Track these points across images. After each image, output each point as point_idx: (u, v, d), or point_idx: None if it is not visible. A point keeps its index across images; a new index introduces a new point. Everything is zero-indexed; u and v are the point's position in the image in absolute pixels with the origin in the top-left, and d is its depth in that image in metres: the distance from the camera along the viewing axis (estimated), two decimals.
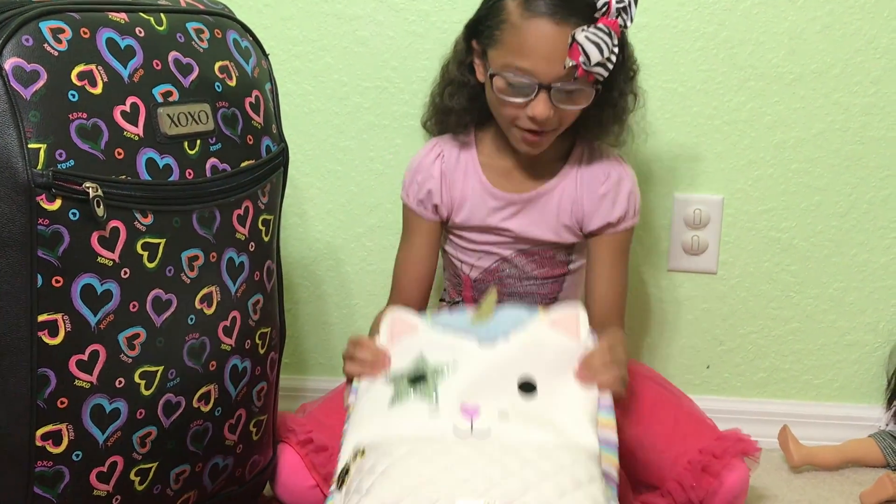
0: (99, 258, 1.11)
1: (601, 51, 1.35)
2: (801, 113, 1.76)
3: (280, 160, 1.36)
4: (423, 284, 1.60)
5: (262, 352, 1.35)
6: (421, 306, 1.58)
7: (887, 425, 1.80)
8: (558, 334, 1.24)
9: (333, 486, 1.15)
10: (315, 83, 1.81)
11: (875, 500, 1.58)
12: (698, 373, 1.87)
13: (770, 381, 1.87)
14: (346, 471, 1.14)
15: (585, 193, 1.53)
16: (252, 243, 1.31)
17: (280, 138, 1.37)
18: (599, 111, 1.48)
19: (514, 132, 1.46)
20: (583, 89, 1.41)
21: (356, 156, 1.83)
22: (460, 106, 1.54)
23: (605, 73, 1.38)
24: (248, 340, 1.32)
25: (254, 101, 1.31)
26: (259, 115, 1.32)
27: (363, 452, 1.14)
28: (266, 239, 1.34)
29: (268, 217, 1.34)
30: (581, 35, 1.34)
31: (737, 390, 1.88)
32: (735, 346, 1.86)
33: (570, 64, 1.35)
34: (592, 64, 1.35)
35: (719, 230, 1.81)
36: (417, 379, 1.20)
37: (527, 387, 1.19)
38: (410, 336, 1.26)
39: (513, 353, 1.21)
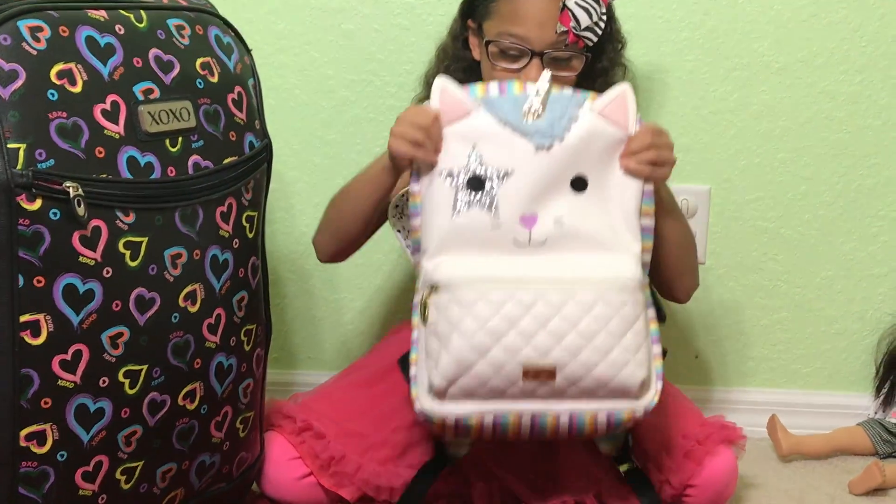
0: (80, 258, 1.10)
1: (590, 15, 1.41)
2: (787, 102, 1.76)
3: (263, 156, 1.35)
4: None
5: (247, 349, 1.35)
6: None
7: (876, 413, 1.80)
8: (607, 124, 1.28)
9: (417, 319, 1.28)
10: (301, 77, 1.80)
11: (864, 489, 1.58)
12: (687, 362, 1.87)
13: (758, 371, 1.87)
14: (424, 306, 1.26)
15: None
16: (236, 240, 1.30)
17: (263, 134, 1.37)
18: (591, 82, 1.51)
19: None
20: (574, 56, 1.46)
21: (343, 149, 1.83)
22: (456, 78, 1.53)
23: (594, 39, 1.44)
24: (234, 337, 1.31)
25: (236, 98, 1.30)
26: (242, 112, 1.31)
27: (437, 288, 1.24)
28: (250, 235, 1.33)
29: (252, 213, 1.33)
30: (571, 1, 1.41)
31: (725, 380, 1.88)
32: (723, 335, 1.86)
33: (562, 30, 1.42)
34: (582, 28, 1.41)
35: (707, 220, 1.81)
36: (476, 183, 1.26)
37: (578, 183, 1.27)
38: (463, 121, 1.28)
39: (567, 154, 1.26)
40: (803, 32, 1.73)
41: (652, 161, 1.29)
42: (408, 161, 1.30)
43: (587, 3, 1.41)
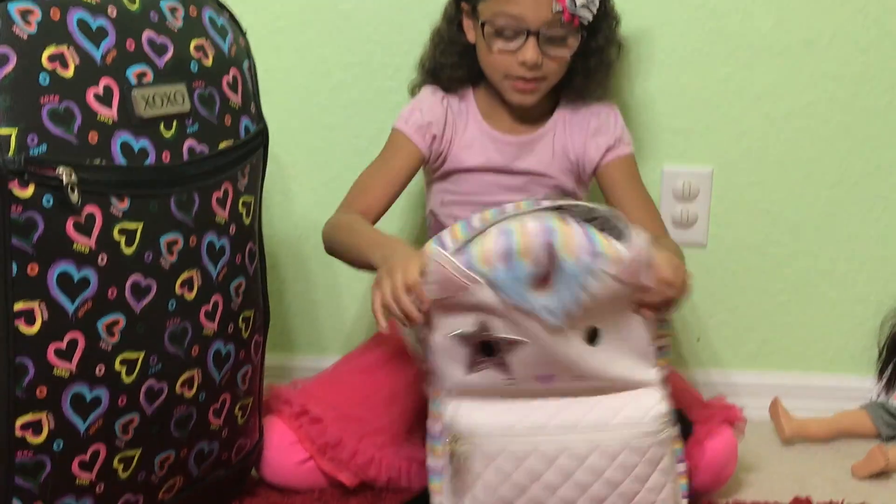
0: (75, 245, 1.09)
1: None
2: (790, 83, 1.74)
3: (259, 140, 1.34)
4: (382, 204, 1.56)
5: (245, 335, 1.34)
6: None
7: (878, 396, 1.79)
8: (620, 284, 1.20)
9: (440, 449, 1.26)
10: (297, 59, 1.78)
11: (867, 472, 1.57)
12: (689, 345, 1.86)
13: (761, 353, 1.86)
14: (450, 451, 1.25)
15: (576, 133, 1.58)
16: (232, 226, 1.29)
17: (259, 118, 1.35)
18: (586, 61, 1.53)
19: (505, 84, 1.52)
20: (569, 35, 1.47)
21: (340, 132, 1.81)
22: (451, 61, 1.58)
23: (590, 17, 1.46)
24: (231, 324, 1.30)
25: (231, 81, 1.29)
26: (237, 95, 1.29)
27: (458, 438, 1.23)
28: (247, 221, 1.32)
29: (248, 199, 1.32)
30: None
31: (727, 362, 1.86)
32: (725, 318, 1.85)
33: (557, 8, 1.43)
34: (578, 6, 1.43)
35: (709, 202, 1.79)
36: (486, 348, 1.22)
37: (591, 336, 1.24)
38: (464, 295, 1.18)
39: (579, 317, 1.20)
40: (807, 13, 1.71)
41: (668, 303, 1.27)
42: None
43: None
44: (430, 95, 1.59)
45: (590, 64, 1.55)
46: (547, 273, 1.17)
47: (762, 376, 1.85)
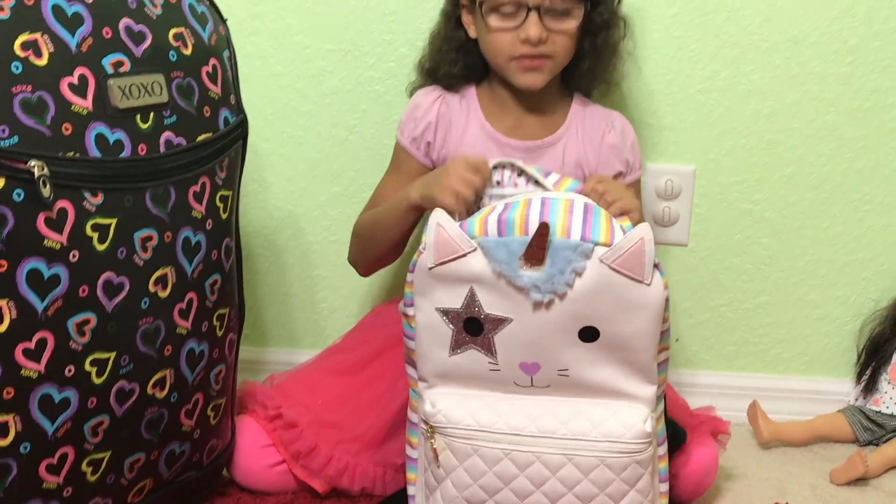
0: (45, 241, 1.04)
1: None
2: (776, 82, 1.72)
3: (239, 132, 1.30)
4: None
5: (220, 334, 1.30)
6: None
7: (857, 400, 1.78)
8: (619, 276, 1.16)
9: (418, 440, 1.28)
10: (276, 45, 1.73)
11: (846, 479, 1.56)
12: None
13: (740, 355, 1.84)
14: (426, 444, 1.24)
15: (589, 147, 1.54)
16: (209, 221, 1.24)
17: (239, 109, 1.31)
18: (594, 39, 1.50)
19: (512, 67, 1.46)
20: (572, 6, 1.43)
21: (319, 121, 1.77)
22: (449, 58, 1.53)
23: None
24: (206, 323, 1.26)
25: (211, 71, 1.24)
26: (216, 85, 1.25)
27: (434, 430, 1.22)
28: (224, 216, 1.28)
29: (226, 193, 1.28)
30: None
31: (706, 364, 1.85)
32: (705, 319, 1.83)
33: None
34: None
35: (691, 201, 1.77)
36: (473, 325, 1.19)
37: (587, 334, 1.18)
38: (458, 264, 1.18)
39: (570, 307, 1.16)
40: (794, 11, 1.69)
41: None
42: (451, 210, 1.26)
43: None
44: (424, 97, 1.54)
45: (597, 42, 1.50)
46: (540, 253, 1.16)
47: (741, 378, 1.83)
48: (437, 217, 1.20)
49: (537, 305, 1.17)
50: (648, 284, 1.16)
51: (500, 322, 1.18)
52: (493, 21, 1.43)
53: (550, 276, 1.15)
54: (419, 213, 1.40)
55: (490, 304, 1.18)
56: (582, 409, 1.21)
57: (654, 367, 1.21)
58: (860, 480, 1.57)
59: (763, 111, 1.73)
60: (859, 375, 1.80)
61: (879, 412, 1.72)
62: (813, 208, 1.77)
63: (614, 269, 1.15)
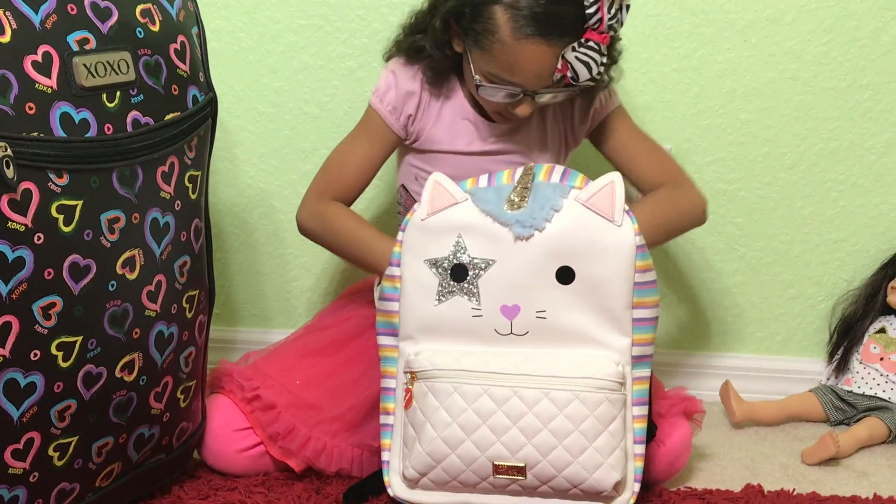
0: (9, 223, 1.02)
1: (590, 70, 1.34)
2: (752, 61, 1.71)
3: (208, 111, 1.27)
4: (358, 187, 1.50)
5: (189, 316, 1.28)
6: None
7: (828, 380, 1.79)
8: (592, 215, 1.25)
9: (392, 404, 1.31)
10: (246, 20, 1.71)
11: (817, 459, 1.57)
12: None
13: (713, 334, 1.84)
14: (405, 393, 1.29)
15: (559, 110, 1.52)
16: (178, 202, 1.22)
17: (208, 87, 1.28)
18: (582, 99, 1.50)
19: (494, 114, 1.47)
20: (566, 93, 1.41)
21: (290, 98, 1.74)
22: (433, 58, 1.44)
23: (592, 85, 1.38)
24: (175, 305, 1.24)
25: (179, 48, 1.21)
26: (185, 63, 1.22)
27: (416, 377, 1.27)
28: (193, 196, 1.25)
29: (195, 173, 1.25)
30: (571, 55, 1.32)
31: (678, 343, 1.85)
32: (678, 298, 1.83)
33: (559, 77, 1.35)
34: (581, 81, 1.34)
35: None
36: (459, 272, 1.26)
37: (564, 275, 1.25)
38: (449, 211, 1.27)
39: (548, 244, 1.24)
40: None
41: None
42: None
43: (588, 55, 1.32)
44: (404, 68, 1.48)
45: (585, 104, 1.51)
46: (524, 192, 1.26)
47: (713, 358, 1.84)
48: (435, 176, 1.29)
49: (517, 240, 1.24)
50: (619, 226, 1.25)
51: (484, 265, 1.25)
52: (487, 94, 1.39)
53: (532, 211, 1.24)
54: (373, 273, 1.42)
55: (476, 248, 1.26)
56: (558, 357, 1.25)
57: (626, 316, 1.27)
58: (831, 460, 1.57)
59: (739, 90, 1.72)
60: (831, 355, 1.80)
61: (851, 392, 1.73)
62: (787, 188, 1.77)
63: (587, 208, 1.24)
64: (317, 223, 1.48)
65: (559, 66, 1.33)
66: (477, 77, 1.38)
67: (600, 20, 1.31)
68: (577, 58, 1.32)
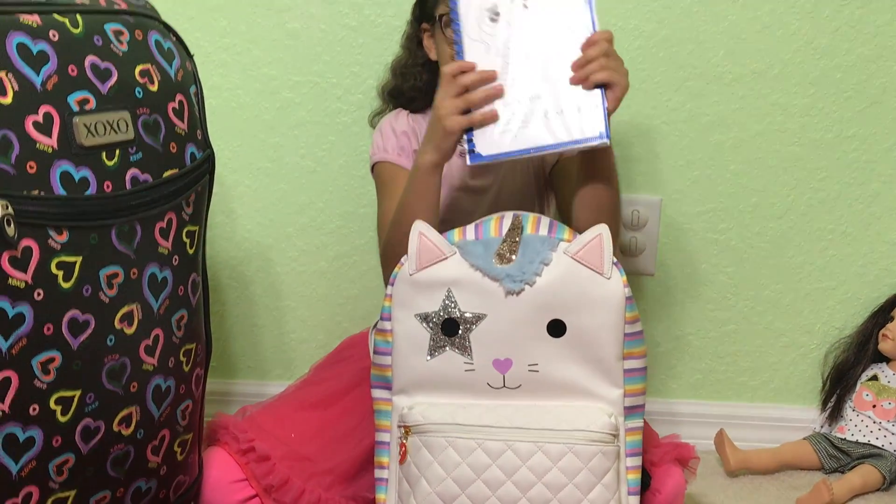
0: (10, 280, 1.03)
1: None
2: (739, 114, 1.75)
3: (206, 168, 1.29)
4: None
5: (186, 369, 1.29)
6: None
7: (822, 427, 1.80)
8: (581, 268, 1.26)
9: (387, 459, 1.31)
10: (243, 77, 1.74)
11: None
12: None
13: (706, 383, 1.86)
14: (399, 447, 1.29)
15: None
16: (176, 257, 1.24)
17: (206, 144, 1.30)
18: None
19: None
20: None
21: (287, 153, 1.77)
22: (412, 83, 1.56)
23: None
24: (172, 358, 1.26)
25: (177, 107, 1.24)
26: (183, 121, 1.25)
27: (410, 431, 1.27)
28: (191, 251, 1.27)
29: (192, 228, 1.27)
30: None
31: (673, 392, 1.86)
32: (671, 347, 1.84)
33: None
34: None
35: (657, 231, 1.79)
36: (450, 326, 1.27)
37: (555, 328, 1.26)
38: (438, 265, 1.28)
39: (539, 297, 1.25)
40: (757, 44, 1.71)
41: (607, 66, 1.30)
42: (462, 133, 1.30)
43: None
44: (395, 118, 1.57)
45: None
46: (513, 245, 1.28)
47: (707, 406, 1.85)
48: (419, 226, 1.29)
49: (508, 295, 1.25)
50: (608, 278, 1.26)
51: (475, 319, 1.26)
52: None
53: (521, 265, 1.25)
54: (438, 175, 1.37)
55: (466, 303, 1.26)
56: (551, 410, 1.26)
57: (618, 367, 1.27)
58: None
59: (727, 142, 1.75)
60: (824, 403, 1.82)
61: (845, 439, 1.74)
62: (777, 238, 1.79)
63: (576, 261, 1.25)
64: (391, 229, 1.44)
65: None
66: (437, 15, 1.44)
67: None
68: None
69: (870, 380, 1.77)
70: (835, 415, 1.78)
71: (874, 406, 1.74)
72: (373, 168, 1.56)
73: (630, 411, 1.30)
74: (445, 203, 1.53)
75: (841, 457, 1.73)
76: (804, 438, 1.77)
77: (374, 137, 1.56)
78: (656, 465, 1.43)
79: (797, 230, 1.79)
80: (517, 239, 1.28)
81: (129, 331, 1.18)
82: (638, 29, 1.71)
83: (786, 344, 1.84)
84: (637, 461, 1.30)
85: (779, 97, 1.74)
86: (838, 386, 1.80)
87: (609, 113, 1.30)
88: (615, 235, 1.44)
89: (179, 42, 1.28)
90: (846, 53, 1.72)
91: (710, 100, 1.74)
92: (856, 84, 1.73)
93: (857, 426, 1.73)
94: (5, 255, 1.03)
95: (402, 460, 1.28)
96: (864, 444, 1.72)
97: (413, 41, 1.56)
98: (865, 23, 1.70)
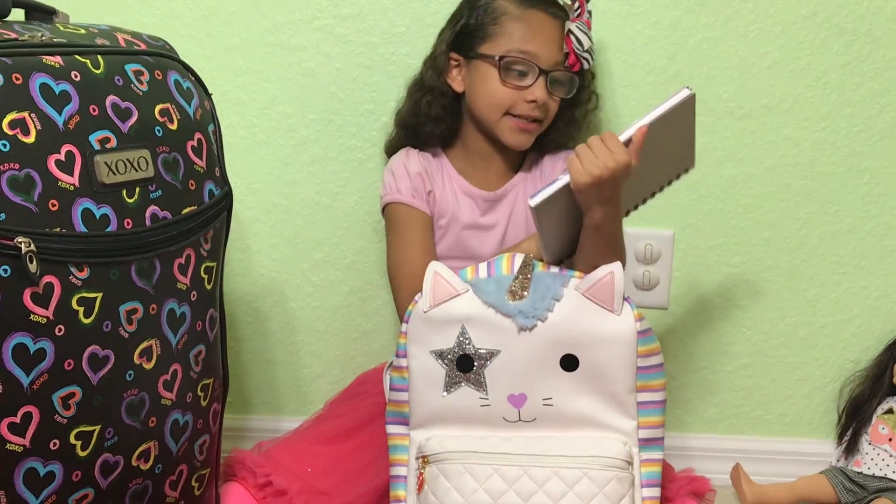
0: (32, 316, 1.05)
1: (589, 39, 1.51)
2: (751, 148, 1.76)
3: (223, 204, 1.31)
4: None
5: (204, 404, 1.30)
6: None
7: (838, 461, 1.79)
8: (592, 304, 1.29)
9: (403, 492, 1.33)
10: (260, 115, 1.76)
11: None
12: None
13: (721, 417, 1.86)
14: (417, 478, 1.31)
15: (539, 185, 1.58)
16: (194, 292, 1.26)
17: (223, 181, 1.32)
18: (571, 111, 1.60)
19: (504, 123, 1.52)
20: (570, 80, 1.54)
21: (302, 189, 1.79)
22: (436, 114, 1.57)
23: (590, 62, 1.53)
24: (190, 393, 1.27)
25: (196, 145, 1.26)
26: (201, 159, 1.27)
27: (427, 460, 1.30)
28: (209, 287, 1.29)
29: (210, 264, 1.29)
30: (573, 25, 1.50)
31: (688, 426, 1.86)
32: (686, 381, 1.85)
33: (565, 49, 1.51)
34: (584, 49, 1.50)
35: (670, 265, 1.79)
36: (465, 362, 1.29)
37: (568, 363, 1.29)
38: (451, 303, 1.31)
39: (551, 333, 1.28)
40: (767, 78, 1.73)
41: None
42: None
43: (582, 29, 1.51)
44: (406, 157, 1.58)
45: (575, 114, 1.60)
46: (525, 282, 1.30)
47: (723, 440, 1.85)
48: (434, 266, 1.33)
49: (522, 331, 1.27)
50: (618, 315, 1.29)
51: (489, 355, 1.28)
52: (506, 76, 1.49)
53: (533, 302, 1.28)
54: None
55: (480, 340, 1.29)
56: (566, 439, 1.28)
57: (631, 399, 1.30)
58: None
59: (739, 176, 1.76)
60: (840, 436, 1.81)
61: (861, 473, 1.73)
62: (790, 271, 1.80)
63: (587, 297, 1.28)
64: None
65: (565, 39, 1.50)
66: (502, 59, 1.48)
67: (580, 8, 1.52)
68: (577, 27, 1.49)
69: (885, 413, 1.77)
70: (851, 448, 1.78)
71: (890, 439, 1.74)
72: (384, 208, 1.57)
73: (647, 443, 1.31)
74: (453, 240, 1.55)
75: (858, 490, 1.72)
76: (820, 472, 1.76)
77: (386, 177, 1.58)
78: (671, 500, 1.42)
79: (810, 263, 1.79)
80: (529, 276, 1.31)
81: (148, 366, 1.19)
82: (649, 65, 1.72)
83: (800, 377, 1.84)
84: (655, 492, 1.30)
85: (790, 132, 1.75)
86: (854, 419, 1.80)
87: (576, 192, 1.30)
88: None
89: (198, 81, 1.30)
90: (855, 88, 1.73)
91: (722, 134, 1.75)
92: (866, 118, 1.74)
93: (874, 459, 1.73)
94: (28, 292, 1.05)
95: (420, 489, 1.29)
96: (881, 477, 1.71)
97: (441, 73, 1.56)
98: (874, 57, 1.71)
